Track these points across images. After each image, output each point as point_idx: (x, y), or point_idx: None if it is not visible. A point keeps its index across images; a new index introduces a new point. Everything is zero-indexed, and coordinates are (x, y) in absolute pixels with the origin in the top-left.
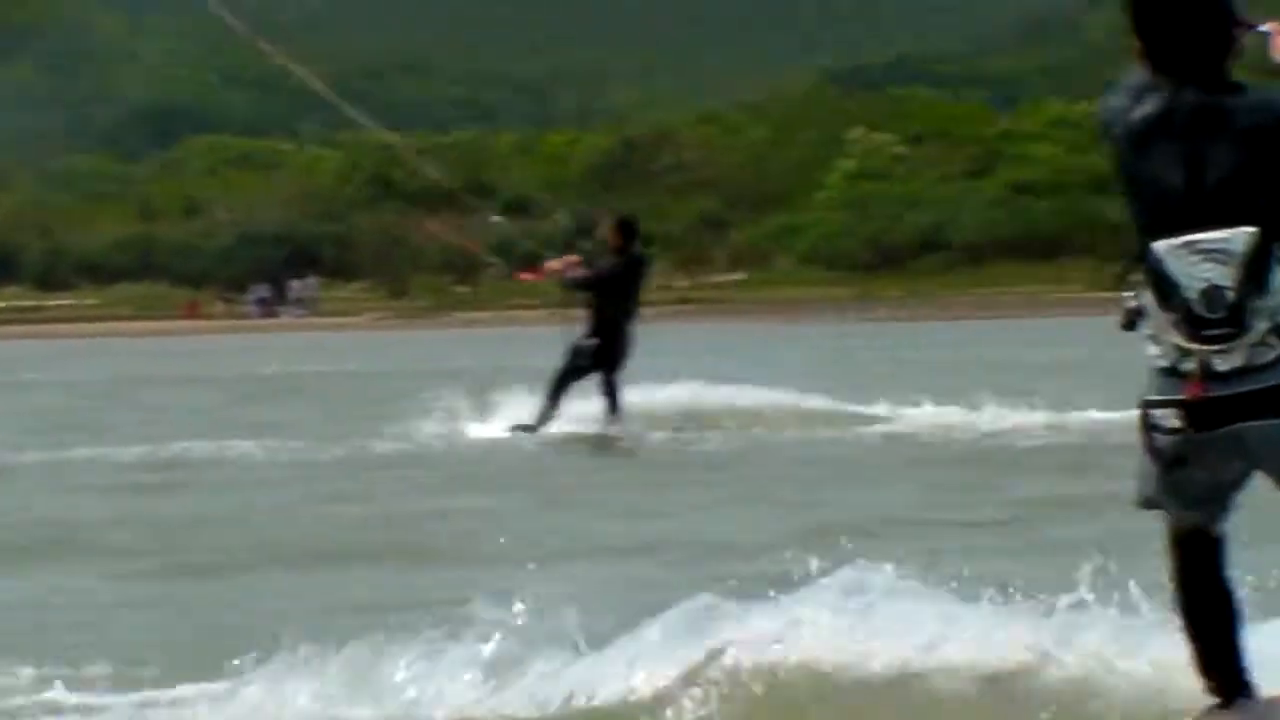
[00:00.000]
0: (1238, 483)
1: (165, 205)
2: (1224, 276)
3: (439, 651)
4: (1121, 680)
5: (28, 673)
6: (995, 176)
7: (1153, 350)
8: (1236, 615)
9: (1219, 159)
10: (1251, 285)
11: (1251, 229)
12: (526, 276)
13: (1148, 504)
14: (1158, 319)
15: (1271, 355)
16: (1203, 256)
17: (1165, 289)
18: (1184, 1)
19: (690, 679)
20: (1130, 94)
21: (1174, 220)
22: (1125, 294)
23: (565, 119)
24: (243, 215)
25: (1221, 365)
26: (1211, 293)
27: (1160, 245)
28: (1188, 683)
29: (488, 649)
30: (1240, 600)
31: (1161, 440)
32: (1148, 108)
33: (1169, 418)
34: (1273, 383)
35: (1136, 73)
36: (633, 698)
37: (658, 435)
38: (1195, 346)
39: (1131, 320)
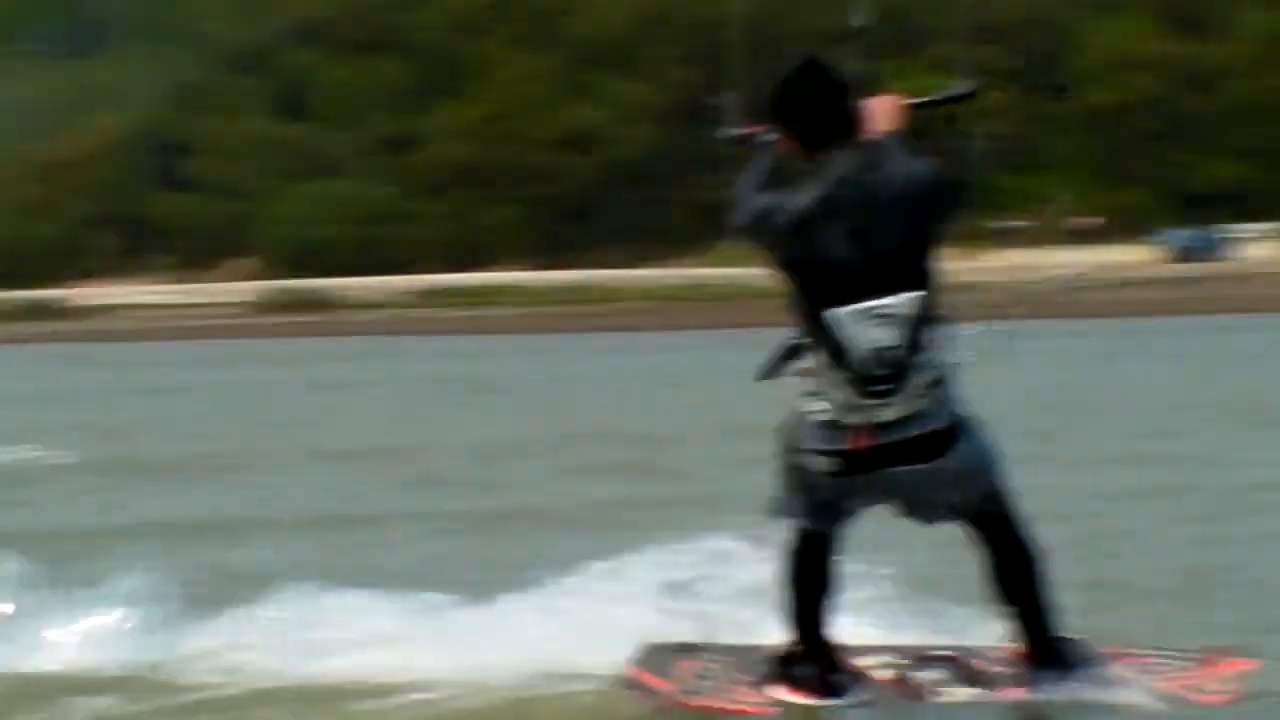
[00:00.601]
0: (873, 507)
1: None
2: (893, 337)
3: None
4: None
5: None
6: None
7: (814, 406)
8: (834, 593)
9: (881, 231)
10: (914, 343)
11: (917, 293)
12: None
13: (783, 516)
14: (827, 378)
15: (926, 404)
16: (876, 321)
17: (838, 351)
18: (821, 84)
19: None
20: (777, 190)
21: (848, 291)
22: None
23: None
24: None
25: (885, 416)
26: (881, 353)
27: (838, 312)
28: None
29: None
30: (840, 580)
31: (818, 480)
32: (806, 196)
33: (827, 464)
34: (926, 430)
35: (760, 171)
36: None
37: None
38: (863, 401)
39: (768, 374)
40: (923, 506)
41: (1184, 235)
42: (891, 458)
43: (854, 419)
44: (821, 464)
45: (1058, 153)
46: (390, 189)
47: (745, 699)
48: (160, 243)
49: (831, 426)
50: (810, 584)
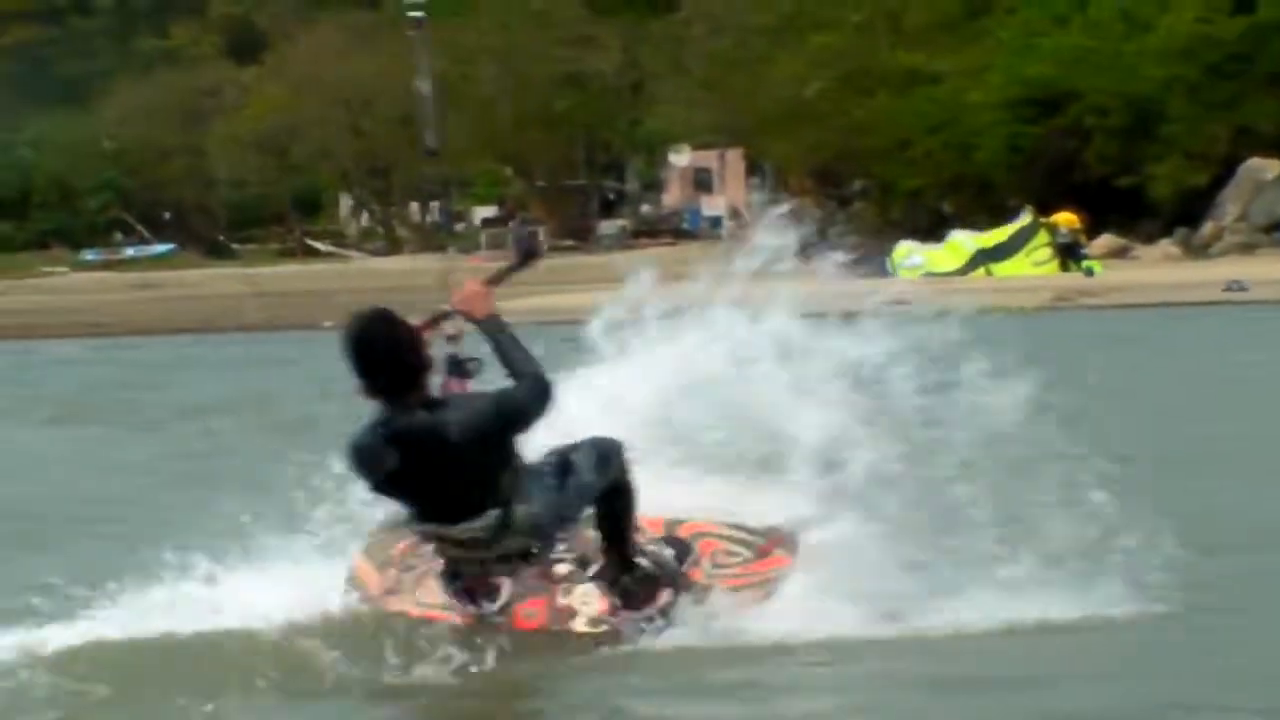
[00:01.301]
0: None
1: None
2: (473, 558)
3: None
4: None
5: None
6: None
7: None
8: None
9: (453, 471)
10: (506, 524)
11: (495, 511)
12: None
13: None
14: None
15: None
16: (460, 548)
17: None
18: (378, 346)
19: None
20: (378, 435)
21: (437, 519)
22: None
23: None
24: None
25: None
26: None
27: (425, 528)
28: None
29: None
30: None
31: None
32: (394, 449)
33: None
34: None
35: (371, 414)
36: None
37: None
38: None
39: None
40: None
41: None
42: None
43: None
44: None
45: None
46: None
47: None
48: None
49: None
50: None
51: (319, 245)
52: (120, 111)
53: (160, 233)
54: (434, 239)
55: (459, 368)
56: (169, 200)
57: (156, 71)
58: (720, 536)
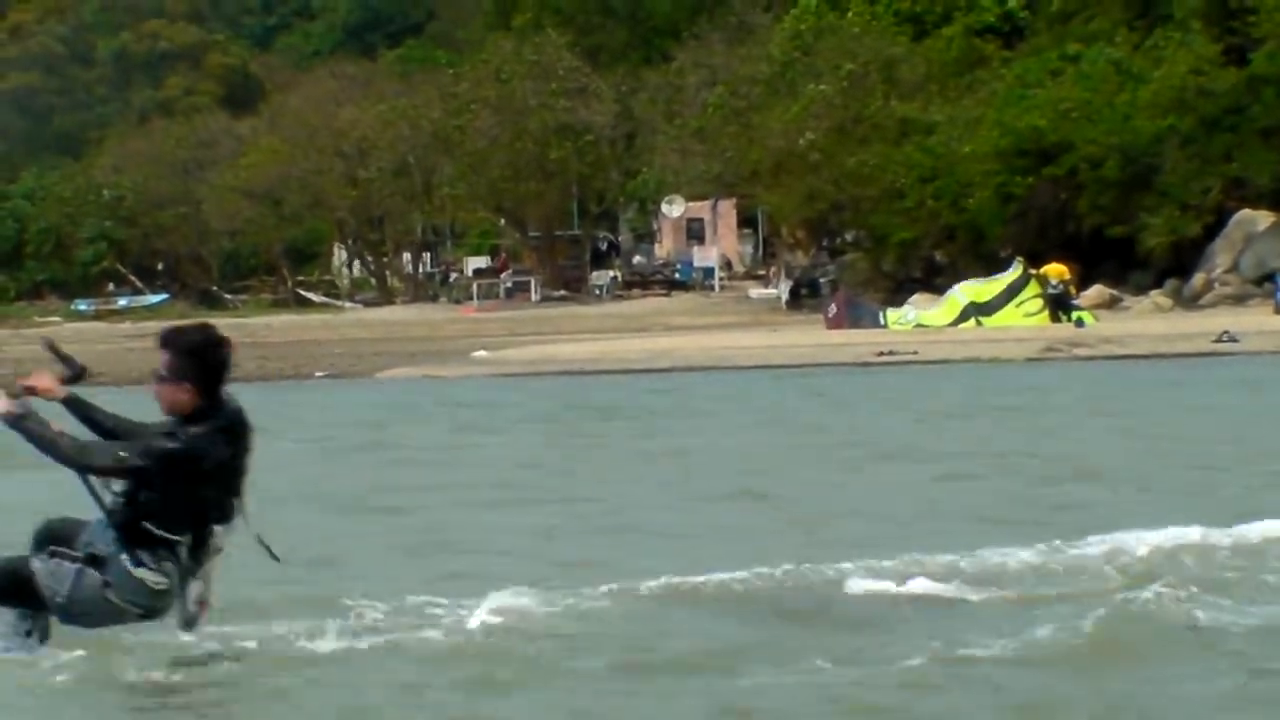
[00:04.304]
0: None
1: None
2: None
3: None
4: None
5: None
6: None
7: (154, 577)
8: None
9: (246, 472)
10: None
11: None
12: None
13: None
14: (183, 566)
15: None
16: (228, 531)
17: (202, 552)
18: (228, 352)
19: None
20: (202, 440)
21: (229, 514)
22: None
23: None
24: None
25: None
26: (218, 550)
27: (219, 527)
28: None
29: None
30: None
31: (128, 617)
32: (221, 451)
33: (139, 613)
34: None
35: (186, 424)
36: None
37: None
38: (192, 580)
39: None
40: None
41: None
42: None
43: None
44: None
45: None
46: None
47: None
48: None
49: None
50: None
51: (311, 295)
52: (116, 161)
53: (153, 283)
54: (426, 289)
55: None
56: (162, 250)
57: (152, 122)
58: None
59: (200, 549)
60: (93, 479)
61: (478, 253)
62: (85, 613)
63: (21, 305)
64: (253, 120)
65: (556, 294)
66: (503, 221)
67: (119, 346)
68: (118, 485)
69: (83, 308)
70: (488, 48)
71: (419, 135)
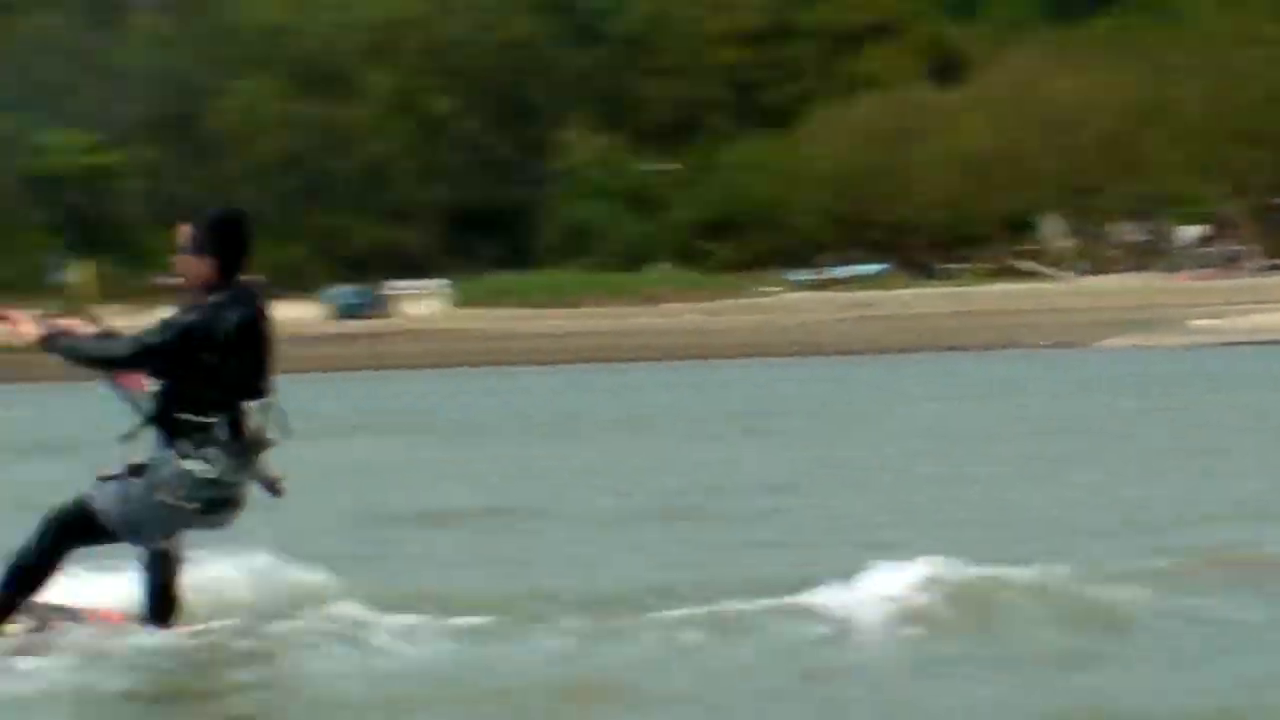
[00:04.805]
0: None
1: None
2: (267, 422)
3: None
4: None
5: None
6: None
7: (199, 466)
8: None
9: (272, 347)
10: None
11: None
12: None
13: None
14: (225, 449)
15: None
16: (262, 412)
17: (238, 432)
18: (251, 229)
19: None
20: (215, 309)
21: (257, 390)
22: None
23: None
24: None
25: (246, 478)
26: (259, 434)
27: (249, 404)
28: None
29: None
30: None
31: (186, 518)
32: (235, 316)
33: (195, 508)
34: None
35: (201, 296)
36: None
37: None
38: (241, 468)
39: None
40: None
41: (345, 292)
42: (237, 504)
43: (230, 477)
44: (193, 504)
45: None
46: None
47: None
48: None
49: (210, 483)
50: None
51: (1024, 265)
52: (823, 133)
53: (867, 253)
54: (1139, 258)
55: None
56: (876, 221)
57: (856, 94)
58: None
59: (238, 431)
60: (125, 387)
61: (1190, 221)
62: (144, 521)
63: (738, 276)
64: (958, 91)
65: (1274, 262)
66: (1217, 190)
67: (830, 318)
68: (152, 386)
69: (801, 278)
70: (1201, 16)
71: (1129, 105)
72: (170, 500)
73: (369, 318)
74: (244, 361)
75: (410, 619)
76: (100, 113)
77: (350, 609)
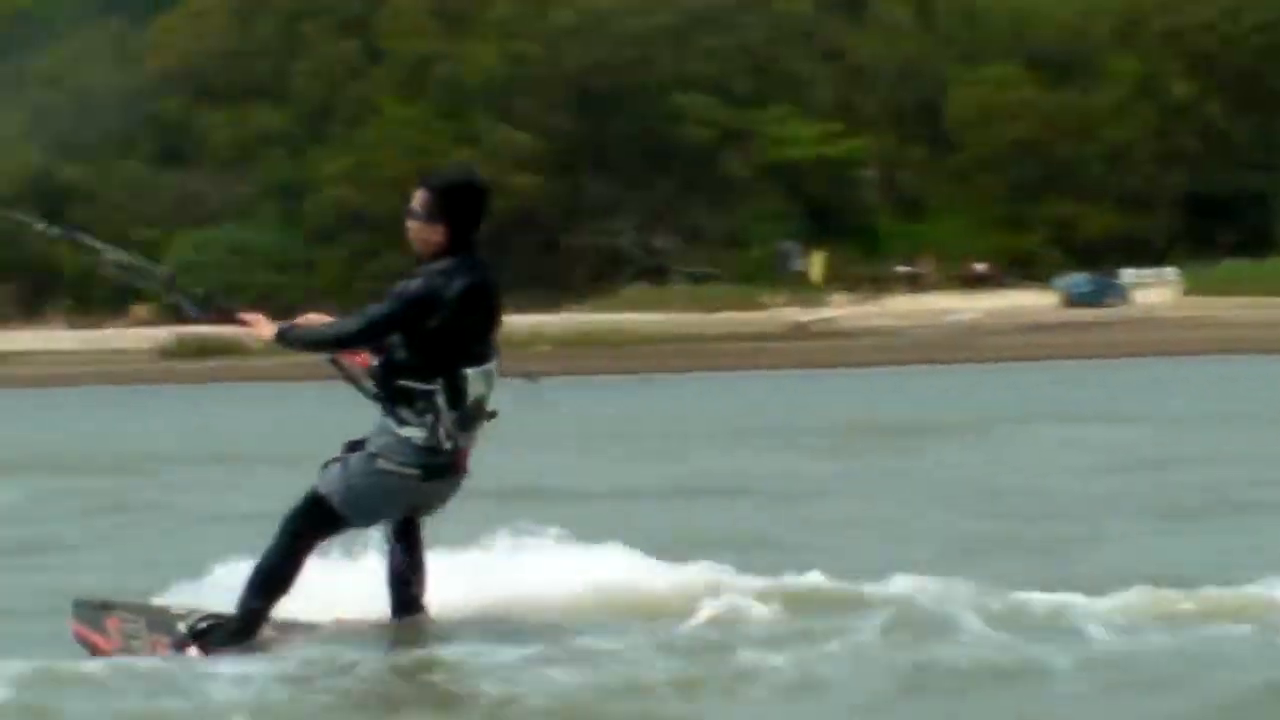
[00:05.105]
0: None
1: None
2: (488, 390)
3: None
4: None
5: None
6: None
7: (418, 432)
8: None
9: (496, 315)
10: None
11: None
12: None
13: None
14: (445, 415)
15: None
16: (484, 379)
17: (459, 398)
18: (486, 198)
19: None
20: (440, 275)
21: (478, 356)
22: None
23: None
24: None
25: (464, 444)
26: (480, 401)
27: (470, 371)
28: None
29: None
30: None
31: (408, 485)
32: (460, 283)
33: (416, 474)
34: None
35: (429, 264)
36: None
37: None
38: (461, 434)
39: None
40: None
41: (1079, 280)
42: (458, 470)
43: (449, 445)
44: (412, 473)
45: (946, 199)
46: (282, 235)
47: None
48: (57, 291)
49: (427, 450)
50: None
51: None
52: None
53: None
54: None
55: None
56: None
57: None
58: None
59: (458, 398)
60: (350, 367)
61: None
62: (368, 495)
63: None
64: None
65: None
66: None
67: None
68: (374, 361)
69: None
70: None
71: None
72: (389, 467)
73: (1102, 306)
74: (466, 327)
75: None
76: (840, 102)
77: None
